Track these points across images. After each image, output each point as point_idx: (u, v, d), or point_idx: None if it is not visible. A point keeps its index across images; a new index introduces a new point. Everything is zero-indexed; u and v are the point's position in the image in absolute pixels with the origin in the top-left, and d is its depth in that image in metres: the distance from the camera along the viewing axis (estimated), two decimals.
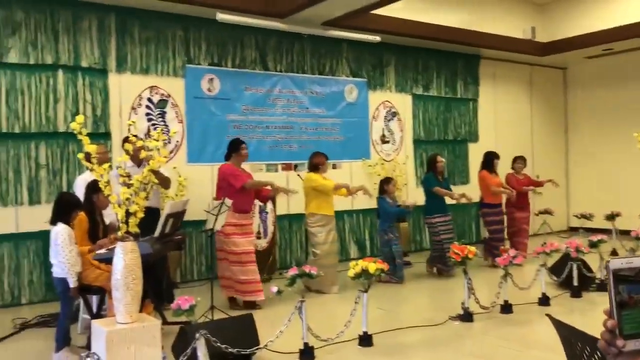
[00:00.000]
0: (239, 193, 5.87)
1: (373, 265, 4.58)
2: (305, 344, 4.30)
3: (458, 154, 10.39)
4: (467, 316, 5.25)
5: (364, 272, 4.58)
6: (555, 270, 6.54)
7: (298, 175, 7.27)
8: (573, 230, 11.17)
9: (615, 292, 0.95)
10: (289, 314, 4.29)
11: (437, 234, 7.43)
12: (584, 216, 9.29)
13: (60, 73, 6.62)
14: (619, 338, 0.94)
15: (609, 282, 0.96)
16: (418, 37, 9.06)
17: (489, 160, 8.12)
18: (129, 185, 3.82)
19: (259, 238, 7.19)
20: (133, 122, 4.19)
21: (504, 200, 8.29)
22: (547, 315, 2.09)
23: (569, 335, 1.86)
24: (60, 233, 4.31)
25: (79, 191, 5.17)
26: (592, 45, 10.03)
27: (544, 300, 5.78)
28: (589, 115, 11.76)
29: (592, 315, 5.59)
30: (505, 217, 8.33)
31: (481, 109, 10.72)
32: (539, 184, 8.65)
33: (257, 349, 4.13)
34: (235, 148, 6.07)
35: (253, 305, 5.88)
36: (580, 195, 11.84)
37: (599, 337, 1.01)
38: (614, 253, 8.44)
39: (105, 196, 4.41)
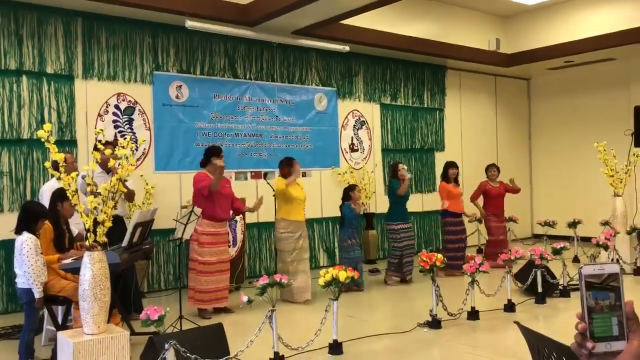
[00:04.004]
0: (211, 200, 5.87)
1: (343, 274, 4.60)
2: (276, 353, 4.29)
3: (425, 163, 10.53)
4: (435, 323, 5.32)
5: (334, 280, 4.60)
6: (520, 277, 6.68)
7: (268, 183, 7.27)
8: (537, 237, 11.43)
9: (586, 297, 1.00)
10: (260, 323, 4.28)
11: (400, 240, 7.50)
12: (547, 223, 9.50)
13: (24, 79, 6.49)
14: (589, 340, 0.98)
15: (581, 287, 1.00)
16: (386, 48, 9.19)
17: (444, 171, 8.29)
18: (96, 194, 3.76)
19: (228, 247, 7.13)
20: (101, 130, 4.12)
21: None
22: (516, 322, 2.14)
23: (537, 343, 1.91)
24: (26, 242, 4.22)
25: (46, 199, 5.06)
26: (553, 58, 10.32)
27: (510, 307, 5.89)
28: (551, 124, 12.08)
29: (555, 320, 5.73)
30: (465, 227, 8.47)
31: (447, 118, 10.90)
32: (515, 191, 8.76)
33: (227, 358, 4.10)
34: (212, 156, 6.06)
35: (223, 310, 5.93)
36: (543, 202, 12.13)
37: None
38: (575, 260, 8.67)
39: (71, 205, 4.35)
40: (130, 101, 7.25)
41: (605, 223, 8.40)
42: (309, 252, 6.90)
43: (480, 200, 8.73)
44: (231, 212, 6.32)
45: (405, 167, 7.85)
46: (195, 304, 5.94)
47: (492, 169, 8.72)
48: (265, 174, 7.96)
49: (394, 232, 7.59)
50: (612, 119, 10.76)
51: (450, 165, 8.28)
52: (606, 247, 7.18)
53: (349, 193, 7.34)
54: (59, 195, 4.66)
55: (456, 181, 8.26)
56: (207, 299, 5.92)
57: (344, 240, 7.20)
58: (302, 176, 8.59)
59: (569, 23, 9.97)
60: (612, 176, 8.08)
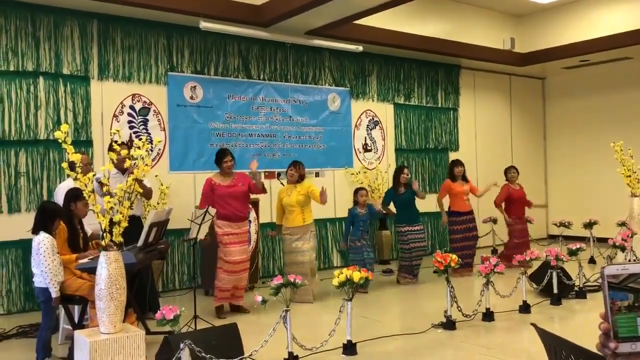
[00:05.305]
0: (226, 201, 5.91)
1: (357, 274, 4.59)
2: (290, 353, 4.30)
3: (439, 163, 10.48)
4: (449, 324, 5.29)
5: (349, 281, 4.60)
6: (535, 278, 6.62)
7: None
8: (552, 237, 11.33)
9: (608, 297, 0.99)
10: (274, 323, 4.29)
11: (406, 242, 7.48)
12: (562, 224, 9.40)
13: (41, 80, 6.56)
14: (612, 340, 0.97)
15: (604, 287, 0.99)
16: (399, 47, 9.16)
17: (450, 169, 8.27)
18: (112, 195, 3.79)
19: (247, 246, 7.16)
20: (117, 130, 4.16)
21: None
22: (533, 324, 2.12)
23: (555, 345, 1.90)
24: (43, 242, 4.26)
25: (60, 198, 5.12)
26: (569, 57, 10.22)
27: (525, 308, 5.84)
28: (566, 124, 11.97)
29: (571, 322, 5.68)
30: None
31: (461, 118, 10.84)
32: (528, 204, 8.67)
33: (241, 358, 4.12)
34: (217, 161, 6.11)
35: (239, 310, 6.05)
36: (558, 203, 12.02)
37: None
38: (591, 261, 8.58)
39: (85, 205, 4.39)
40: (145, 102, 7.30)
41: (622, 224, 8.30)
42: (315, 253, 6.77)
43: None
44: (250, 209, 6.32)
45: (409, 174, 7.80)
46: (216, 302, 6.01)
47: (511, 171, 8.64)
48: (279, 174, 7.97)
49: (401, 235, 7.57)
50: (628, 119, 10.65)
51: (455, 163, 8.22)
52: (623, 248, 7.09)
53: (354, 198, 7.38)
54: (73, 195, 4.70)
55: (464, 179, 8.18)
56: (224, 296, 5.98)
57: (355, 242, 7.17)
58: (315, 176, 8.62)
59: (584, 22, 9.88)
60: (629, 176, 7.99)
